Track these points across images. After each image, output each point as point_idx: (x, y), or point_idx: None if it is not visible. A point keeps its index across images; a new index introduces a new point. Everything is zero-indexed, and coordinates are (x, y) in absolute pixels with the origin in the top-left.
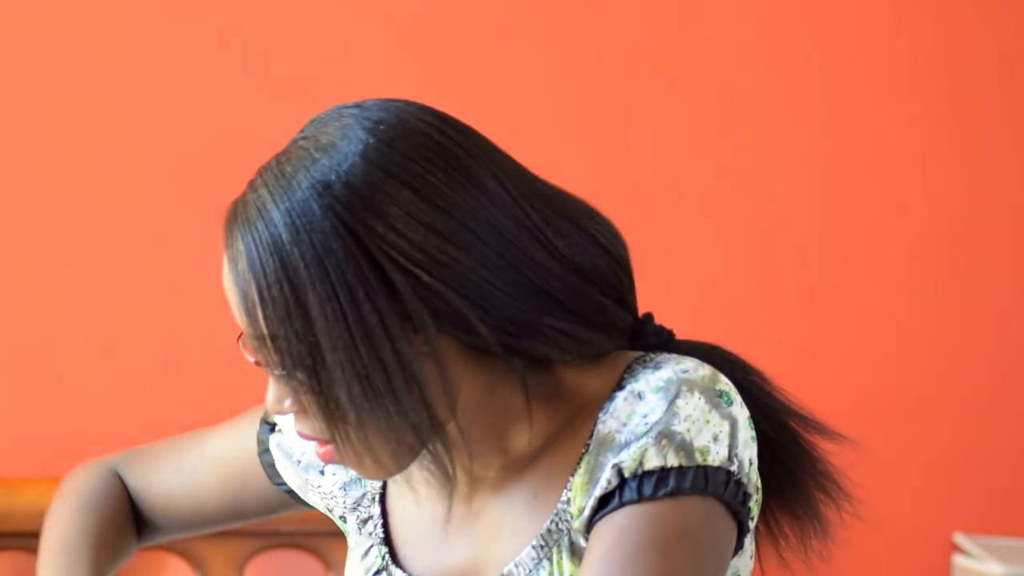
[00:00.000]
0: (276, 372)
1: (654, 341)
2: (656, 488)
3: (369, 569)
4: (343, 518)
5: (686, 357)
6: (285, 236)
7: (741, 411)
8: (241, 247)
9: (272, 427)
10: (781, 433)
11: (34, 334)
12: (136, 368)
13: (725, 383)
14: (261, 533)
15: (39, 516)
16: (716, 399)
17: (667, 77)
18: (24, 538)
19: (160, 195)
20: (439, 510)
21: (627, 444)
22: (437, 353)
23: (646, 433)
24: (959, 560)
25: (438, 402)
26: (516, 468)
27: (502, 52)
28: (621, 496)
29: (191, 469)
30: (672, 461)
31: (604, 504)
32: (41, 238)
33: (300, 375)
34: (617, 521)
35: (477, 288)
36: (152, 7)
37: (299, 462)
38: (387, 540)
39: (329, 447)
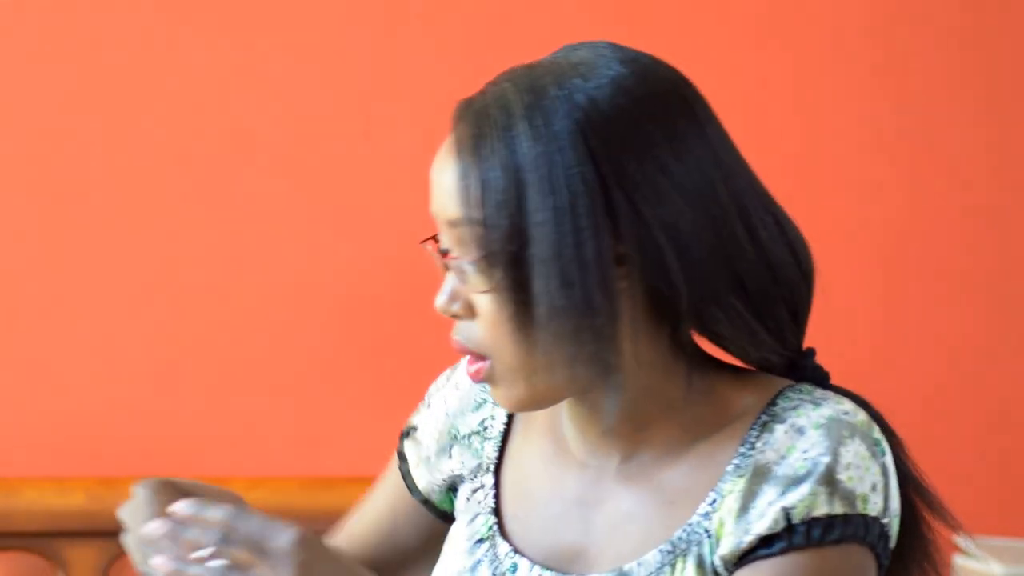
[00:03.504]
0: (469, 261)
1: (810, 377)
2: (823, 534)
3: (473, 536)
4: (454, 490)
5: (844, 397)
6: (520, 127)
7: (891, 462)
8: (472, 130)
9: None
10: (903, 505)
11: (34, 334)
12: (136, 368)
13: (878, 432)
14: None
15: (39, 516)
16: (873, 447)
17: None
18: (24, 538)
19: (161, 195)
20: (558, 488)
21: (789, 482)
22: (633, 290)
23: (809, 473)
24: (959, 560)
25: (623, 338)
26: (648, 465)
27: (501, 52)
28: (790, 539)
29: (358, 525)
30: (837, 509)
31: (767, 543)
32: (41, 238)
33: (496, 268)
34: (779, 566)
35: (683, 238)
36: (151, 6)
37: (428, 458)
38: (497, 511)
39: (483, 365)
